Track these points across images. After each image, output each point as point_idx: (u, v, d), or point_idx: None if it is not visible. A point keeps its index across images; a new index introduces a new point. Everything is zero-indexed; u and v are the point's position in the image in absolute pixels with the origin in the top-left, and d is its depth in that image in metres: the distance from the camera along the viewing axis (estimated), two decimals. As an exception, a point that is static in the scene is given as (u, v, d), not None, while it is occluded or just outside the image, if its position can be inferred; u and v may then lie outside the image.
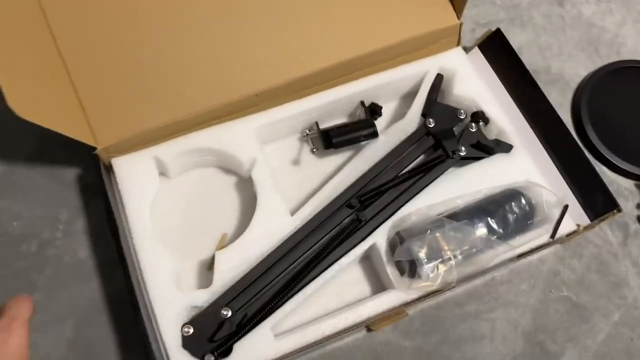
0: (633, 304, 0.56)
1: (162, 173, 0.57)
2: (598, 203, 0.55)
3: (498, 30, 0.62)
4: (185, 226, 0.55)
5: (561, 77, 0.67)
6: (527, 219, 0.52)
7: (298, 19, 0.58)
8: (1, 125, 0.51)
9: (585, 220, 0.55)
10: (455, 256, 0.49)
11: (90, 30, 0.53)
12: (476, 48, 0.64)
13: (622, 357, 0.53)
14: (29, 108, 0.44)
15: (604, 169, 0.63)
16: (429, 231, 0.50)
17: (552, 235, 0.54)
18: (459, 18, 0.61)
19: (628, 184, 0.62)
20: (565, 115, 0.65)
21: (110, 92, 0.53)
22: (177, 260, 0.52)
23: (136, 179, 0.53)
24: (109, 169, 0.54)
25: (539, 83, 0.64)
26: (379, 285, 0.54)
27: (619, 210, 0.53)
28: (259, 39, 0.57)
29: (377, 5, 0.60)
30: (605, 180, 0.61)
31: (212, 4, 0.56)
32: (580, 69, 0.68)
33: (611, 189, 0.61)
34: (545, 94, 0.65)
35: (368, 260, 0.55)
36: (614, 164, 0.62)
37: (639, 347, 0.54)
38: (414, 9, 0.60)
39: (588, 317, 0.55)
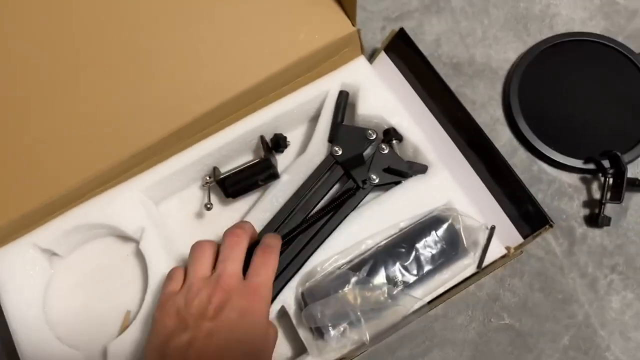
0: (584, 321, 0.50)
1: (54, 254, 0.52)
2: (530, 216, 0.49)
3: (401, 30, 0.55)
4: (85, 309, 0.51)
5: (488, 66, 0.60)
6: (447, 253, 0.47)
7: (171, 61, 0.52)
8: None
9: (517, 239, 0.49)
10: (365, 313, 0.44)
11: None
12: (382, 52, 0.57)
13: (575, 386, 0.48)
14: None
15: (544, 165, 0.56)
16: (331, 290, 0.44)
17: (479, 265, 0.48)
18: (354, 24, 0.54)
19: (572, 179, 0.55)
20: (497, 110, 0.58)
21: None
22: (74, 354, 0.48)
23: (15, 273, 0.49)
24: (-15, 265, 0.49)
25: (463, 77, 0.58)
26: (300, 345, 0.49)
27: (551, 226, 0.47)
28: (126, 91, 0.50)
29: (257, 29, 0.53)
30: (545, 178, 0.55)
31: (65, 68, 0.50)
32: (509, 52, 0.60)
33: (553, 188, 0.55)
34: (472, 87, 0.59)
35: (287, 317, 0.50)
36: (554, 159, 0.55)
37: (593, 371, 0.49)
38: (302, 24, 0.53)
39: (534, 345, 0.49)
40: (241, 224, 0.45)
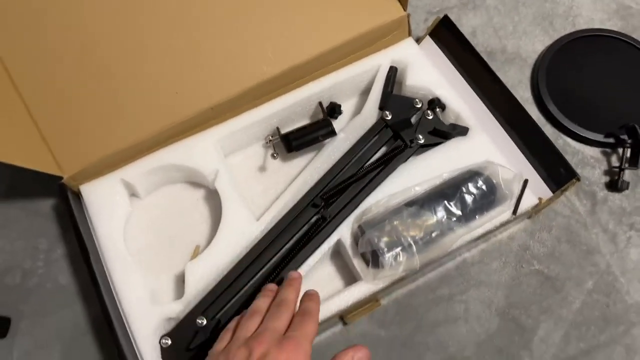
0: (606, 270, 0.56)
1: (133, 194, 0.59)
2: (559, 174, 0.55)
3: (446, 17, 0.63)
4: (159, 243, 0.57)
5: (518, 55, 0.68)
6: (486, 198, 0.53)
7: (243, 28, 0.60)
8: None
9: (547, 193, 0.55)
10: (415, 242, 0.50)
11: (43, 63, 0.55)
12: (428, 37, 0.65)
13: (598, 324, 0.54)
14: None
15: (569, 140, 0.63)
16: (387, 220, 0.51)
17: (514, 211, 0.54)
18: (405, 9, 0.62)
19: (593, 152, 0.62)
20: (526, 92, 0.66)
21: (70, 121, 0.55)
22: (153, 277, 0.54)
23: (105, 203, 0.55)
24: (79, 195, 0.56)
25: (495, 63, 0.65)
26: (350, 278, 0.55)
27: (578, 179, 0.54)
28: (208, 52, 0.58)
29: (322, 6, 0.61)
30: (570, 150, 0.62)
31: (155, 25, 0.58)
32: (536, 44, 0.68)
33: (577, 158, 0.62)
34: (504, 72, 0.67)
35: (339, 256, 0.57)
36: (578, 134, 0.62)
37: (615, 312, 0.54)
38: (360, 6, 0.62)
39: (561, 288, 0.55)
40: (295, 284, 0.46)
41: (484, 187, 0.53)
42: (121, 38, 0.57)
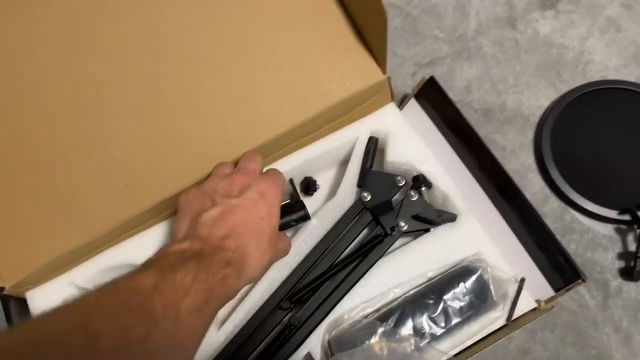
0: (619, 380, 0.48)
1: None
2: (562, 271, 0.48)
3: (431, 78, 0.55)
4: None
5: (519, 113, 0.59)
6: (475, 305, 0.46)
7: (208, 106, 0.53)
8: None
9: (549, 292, 0.48)
10: (391, 365, 0.44)
11: None
12: (413, 99, 0.57)
13: None
14: None
15: (577, 215, 0.55)
16: (358, 340, 0.44)
17: (508, 318, 0.47)
18: (384, 72, 0.55)
19: (606, 230, 0.54)
20: (528, 157, 0.58)
21: (7, 225, 0.50)
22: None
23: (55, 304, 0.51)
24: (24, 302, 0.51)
25: (494, 123, 0.58)
26: (323, 392, 0.49)
27: (584, 280, 0.46)
28: (162, 138, 0.52)
29: (293, 76, 0.54)
30: (579, 228, 0.54)
31: (101, 116, 0.52)
32: (541, 99, 0.60)
33: (586, 238, 0.54)
34: (503, 134, 0.59)
35: (312, 364, 0.51)
36: (588, 209, 0.54)
37: None
38: (335, 72, 0.54)
39: (566, 403, 0.48)
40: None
41: (472, 293, 0.46)
42: (62, 127, 0.52)
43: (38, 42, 0.54)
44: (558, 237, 0.47)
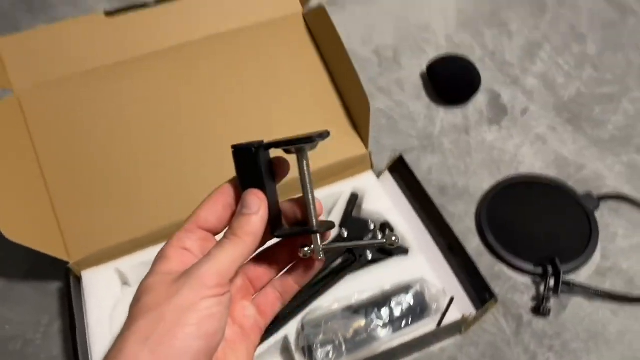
0: (523, 387, 0.62)
1: (125, 283, 0.70)
2: (483, 296, 0.64)
3: (400, 157, 0.76)
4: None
5: (466, 191, 0.79)
6: (414, 310, 0.62)
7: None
8: (5, 245, 0.66)
9: (471, 309, 0.64)
10: (346, 341, 0.59)
11: (70, 160, 0.70)
12: (387, 171, 0.78)
13: None
14: (16, 231, 0.60)
15: (504, 267, 0.72)
16: (324, 320, 0.60)
17: (439, 324, 0.62)
18: (366, 148, 0.76)
19: (524, 279, 0.71)
20: (471, 223, 0.76)
21: (82, 215, 0.69)
22: None
23: (100, 290, 0.67)
24: (79, 280, 0.68)
25: (447, 197, 0.77)
26: (295, 371, 0.63)
27: (496, 301, 0.62)
28: (207, 169, 0.73)
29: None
30: (504, 277, 0.71)
31: (162, 141, 0.73)
32: (483, 183, 0.80)
33: (509, 284, 0.70)
34: (454, 205, 0.78)
35: (287, 352, 0.65)
36: (512, 263, 0.71)
37: None
38: (327, 144, 0.76)
39: (481, 399, 0.61)
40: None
41: (412, 299, 0.62)
42: (135, 149, 0.72)
43: (127, 101, 0.77)
44: (488, 282, 0.63)
